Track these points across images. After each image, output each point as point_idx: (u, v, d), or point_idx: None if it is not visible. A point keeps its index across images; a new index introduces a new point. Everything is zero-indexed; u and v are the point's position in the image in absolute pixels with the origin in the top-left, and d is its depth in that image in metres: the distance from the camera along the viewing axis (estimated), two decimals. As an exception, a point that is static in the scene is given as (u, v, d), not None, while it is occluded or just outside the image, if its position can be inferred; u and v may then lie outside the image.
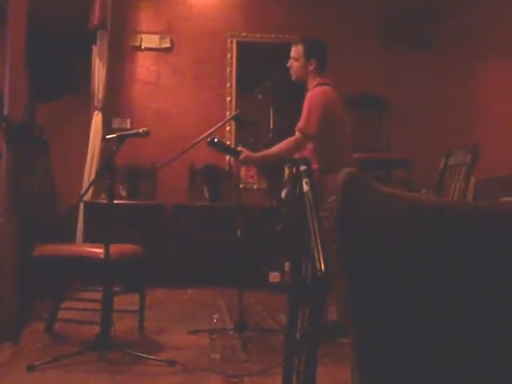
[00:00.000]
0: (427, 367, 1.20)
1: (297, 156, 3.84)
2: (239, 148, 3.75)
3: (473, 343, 1.21)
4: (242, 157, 3.71)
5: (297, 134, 3.69)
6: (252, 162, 3.85)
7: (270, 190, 4.34)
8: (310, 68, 3.80)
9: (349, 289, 1.22)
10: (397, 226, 1.25)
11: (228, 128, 6.33)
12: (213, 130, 3.79)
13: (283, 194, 3.97)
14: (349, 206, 1.25)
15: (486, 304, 1.23)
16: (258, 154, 3.77)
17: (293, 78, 3.89)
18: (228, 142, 3.87)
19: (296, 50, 3.84)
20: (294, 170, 1.76)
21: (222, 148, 3.82)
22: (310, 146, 3.73)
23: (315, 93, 3.72)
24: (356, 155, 3.95)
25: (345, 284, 1.21)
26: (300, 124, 3.68)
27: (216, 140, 3.62)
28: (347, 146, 3.84)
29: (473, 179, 3.56)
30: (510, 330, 1.22)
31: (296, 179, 1.74)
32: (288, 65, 3.88)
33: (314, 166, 3.64)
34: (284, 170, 4.17)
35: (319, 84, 3.76)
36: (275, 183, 4.01)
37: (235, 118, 4.22)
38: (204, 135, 3.81)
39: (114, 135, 3.30)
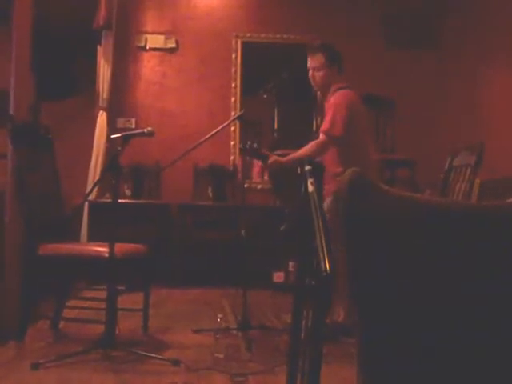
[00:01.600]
0: (431, 366, 1.20)
1: (332, 166, 3.84)
2: (266, 152, 3.76)
3: (476, 343, 1.21)
4: (269, 161, 3.72)
5: (321, 136, 3.68)
6: (279, 166, 3.84)
7: (275, 189, 4.33)
8: (334, 74, 3.80)
9: (353, 288, 1.22)
10: (401, 227, 1.26)
11: (233, 128, 6.34)
12: (218, 130, 3.80)
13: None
14: (353, 206, 1.25)
15: (490, 304, 1.23)
16: (285, 158, 3.75)
17: (316, 87, 3.86)
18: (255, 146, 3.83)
19: (316, 60, 3.80)
20: (299, 169, 1.77)
21: (252, 154, 3.81)
22: (333, 149, 3.73)
23: (339, 96, 3.72)
24: (376, 157, 3.97)
25: (349, 283, 1.22)
26: (324, 126, 3.67)
27: (248, 145, 3.64)
28: (370, 147, 3.84)
29: (477, 180, 3.56)
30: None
31: (302, 179, 1.75)
32: (310, 76, 3.84)
33: (339, 169, 3.62)
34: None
35: (340, 88, 3.76)
36: (280, 183, 3.99)
37: (240, 118, 4.22)
38: (209, 135, 3.82)
39: (119, 135, 3.31)
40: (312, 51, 3.85)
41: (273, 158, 3.72)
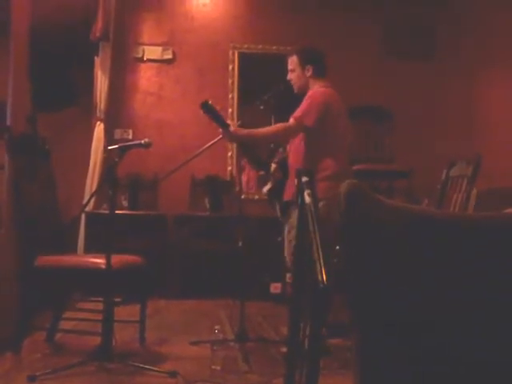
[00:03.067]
0: (428, 373, 1.20)
1: (297, 164, 3.83)
2: (229, 122, 3.70)
3: (474, 349, 1.21)
4: (231, 130, 3.65)
5: (291, 120, 3.63)
6: (238, 138, 3.79)
7: (270, 200, 4.33)
8: (308, 74, 3.79)
9: (350, 296, 1.22)
10: (398, 237, 1.26)
11: (229, 139, 6.33)
12: (215, 141, 3.80)
13: (265, 189, 3.95)
14: (351, 217, 1.25)
15: (487, 311, 1.23)
16: (245, 131, 3.72)
17: (295, 90, 3.88)
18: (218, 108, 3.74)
19: (291, 61, 3.84)
20: (296, 181, 1.77)
21: (213, 114, 3.70)
22: (300, 146, 3.69)
23: (319, 91, 3.71)
24: (358, 166, 3.93)
25: (346, 291, 1.22)
26: (297, 113, 3.62)
27: (210, 102, 3.58)
28: (341, 152, 3.78)
29: (474, 191, 3.56)
30: (510, 336, 1.22)
31: (299, 190, 1.75)
32: (288, 78, 3.88)
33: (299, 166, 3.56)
34: (270, 166, 4.13)
35: (322, 86, 3.76)
36: (276, 193, 3.98)
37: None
38: (206, 146, 3.82)
39: (116, 146, 3.31)
40: (289, 54, 3.90)
41: (233, 128, 3.67)
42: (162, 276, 5.41)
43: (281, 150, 4.01)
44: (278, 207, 3.85)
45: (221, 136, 3.74)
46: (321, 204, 3.38)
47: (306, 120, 3.59)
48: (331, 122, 3.66)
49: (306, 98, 3.70)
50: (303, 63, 3.80)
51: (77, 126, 6.59)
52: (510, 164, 5.82)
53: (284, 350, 3.56)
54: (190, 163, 4.00)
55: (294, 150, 3.74)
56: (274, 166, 4.00)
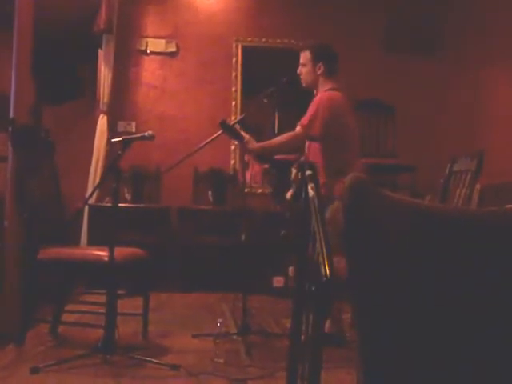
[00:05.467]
0: (430, 371, 1.20)
1: (303, 159, 3.83)
2: (244, 134, 3.72)
3: (474, 346, 1.21)
4: (245, 143, 3.69)
5: (298, 128, 3.65)
6: (252, 151, 3.83)
7: (275, 194, 4.32)
8: (319, 72, 3.79)
9: (353, 292, 1.22)
10: (401, 232, 1.26)
11: (233, 132, 6.32)
12: (218, 134, 3.80)
13: (288, 194, 3.97)
14: (354, 211, 1.25)
15: (487, 308, 1.23)
16: (259, 145, 3.75)
17: (303, 84, 3.88)
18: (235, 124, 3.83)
19: (304, 56, 3.83)
20: (300, 174, 1.77)
21: (230, 131, 3.75)
22: (317, 150, 3.71)
23: (325, 96, 3.71)
24: (362, 160, 3.92)
25: (349, 288, 1.22)
26: (304, 120, 3.64)
27: (227, 122, 3.62)
28: (356, 151, 3.82)
29: (478, 186, 3.55)
30: (510, 334, 1.22)
31: (302, 183, 1.74)
32: (298, 72, 3.87)
33: (320, 169, 3.59)
34: (291, 171, 4.16)
35: (330, 89, 3.75)
36: (280, 188, 3.99)
37: (240, 122, 4.22)
38: (209, 139, 3.82)
39: (120, 138, 3.30)
40: (302, 48, 3.89)
41: (247, 141, 3.69)
42: (165, 269, 5.42)
43: (298, 153, 4.03)
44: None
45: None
46: (337, 203, 3.40)
47: (312, 130, 3.62)
48: (341, 125, 3.68)
49: (313, 104, 3.70)
50: (315, 60, 3.80)
51: (80, 119, 6.59)
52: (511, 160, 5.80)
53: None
54: (193, 156, 3.99)
55: (313, 151, 3.74)
56: (294, 171, 4.01)
